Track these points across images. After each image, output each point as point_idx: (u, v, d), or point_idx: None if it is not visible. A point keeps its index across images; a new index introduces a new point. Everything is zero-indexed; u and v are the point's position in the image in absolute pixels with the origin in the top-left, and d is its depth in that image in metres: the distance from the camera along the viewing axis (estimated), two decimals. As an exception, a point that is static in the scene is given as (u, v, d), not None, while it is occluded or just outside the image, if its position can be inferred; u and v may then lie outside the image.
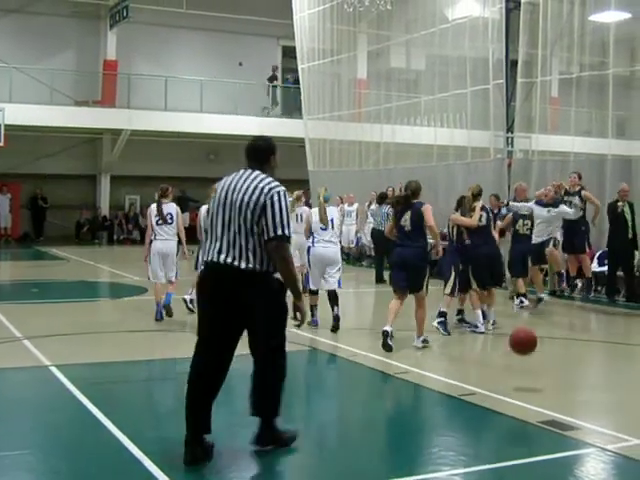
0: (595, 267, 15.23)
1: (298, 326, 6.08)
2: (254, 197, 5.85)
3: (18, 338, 10.49)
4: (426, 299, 10.20)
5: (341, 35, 25.18)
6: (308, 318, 9.75)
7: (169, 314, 12.04)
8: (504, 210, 14.59)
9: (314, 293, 11.67)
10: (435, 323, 11.04)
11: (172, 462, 5.80)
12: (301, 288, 7.80)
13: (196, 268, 11.34)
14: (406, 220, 10.12)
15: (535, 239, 13.76)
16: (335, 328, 11.33)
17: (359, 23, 25.35)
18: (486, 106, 19.09)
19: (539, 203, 13.90)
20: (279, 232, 5.67)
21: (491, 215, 12.10)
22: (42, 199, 29.35)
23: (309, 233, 11.61)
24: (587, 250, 14.59)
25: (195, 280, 6.69)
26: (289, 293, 5.91)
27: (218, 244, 5.80)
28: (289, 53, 29.93)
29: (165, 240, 12.01)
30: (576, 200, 14.21)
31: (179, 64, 30.63)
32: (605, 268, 14.74)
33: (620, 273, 14.43)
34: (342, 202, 21.17)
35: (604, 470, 6.02)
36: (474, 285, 11.49)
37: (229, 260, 5.72)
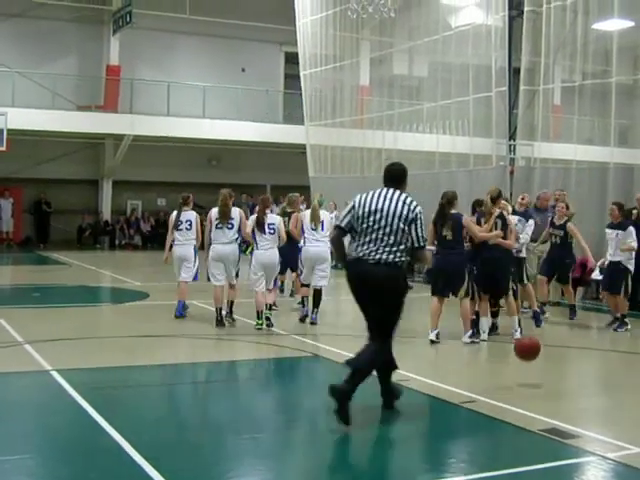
0: (597, 275, 15.21)
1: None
2: (404, 211, 7.19)
3: (19, 343, 10.49)
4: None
5: (344, 42, 25.22)
6: None
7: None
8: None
9: (306, 286, 12.83)
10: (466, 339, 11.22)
11: (172, 467, 5.80)
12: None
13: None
14: (447, 230, 11.04)
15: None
16: (305, 321, 12.68)
17: (362, 30, 25.37)
18: (488, 113, 19.11)
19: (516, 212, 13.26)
20: (422, 243, 7.25)
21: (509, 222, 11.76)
22: (46, 203, 29.36)
23: (301, 233, 12.78)
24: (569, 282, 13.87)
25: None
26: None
27: (368, 244, 7.19)
28: (292, 59, 29.97)
29: (182, 245, 12.97)
30: (560, 234, 13.33)
31: (182, 69, 30.69)
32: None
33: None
34: (336, 208, 21.15)
35: (605, 479, 6.02)
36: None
37: (377, 257, 7.11)
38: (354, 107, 26.19)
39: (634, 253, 12.86)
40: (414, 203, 7.26)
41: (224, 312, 12.38)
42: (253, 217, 12.20)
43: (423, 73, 24.60)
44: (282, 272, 13.77)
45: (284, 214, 13.76)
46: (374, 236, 7.16)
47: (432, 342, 11.05)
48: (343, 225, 7.40)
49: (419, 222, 7.19)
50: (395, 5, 21.66)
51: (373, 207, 7.26)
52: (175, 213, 13.10)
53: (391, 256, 7.11)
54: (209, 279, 12.49)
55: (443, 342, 11.09)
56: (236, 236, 12.20)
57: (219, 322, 12.13)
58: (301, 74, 26.72)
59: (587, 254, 13.55)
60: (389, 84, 25.48)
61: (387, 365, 7.54)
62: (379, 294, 7.16)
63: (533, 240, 13.50)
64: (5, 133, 24.57)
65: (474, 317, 11.47)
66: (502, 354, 10.71)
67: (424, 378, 8.88)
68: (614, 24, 17.72)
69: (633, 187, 15.38)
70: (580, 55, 17.94)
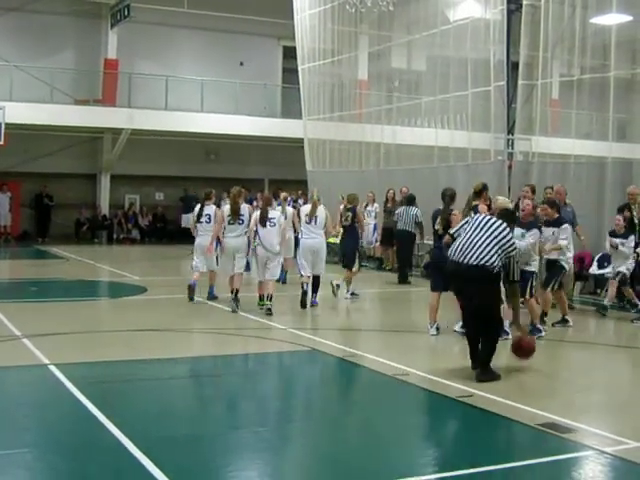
0: (595, 270, 15.22)
1: None
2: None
3: (17, 337, 10.50)
4: None
5: (342, 36, 25.17)
6: None
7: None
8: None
9: (302, 276, 13.76)
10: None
11: (171, 461, 5.81)
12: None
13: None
14: (439, 225, 11.21)
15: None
16: (305, 305, 13.48)
17: (360, 24, 25.32)
18: (487, 108, 19.09)
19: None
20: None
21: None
22: (47, 197, 29.30)
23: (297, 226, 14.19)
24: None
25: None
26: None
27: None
28: (290, 53, 29.92)
29: (203, 236, 13.94)
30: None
31: (180, 63, 30.62)
32: (605, 270, 14.71)
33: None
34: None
35: (602, 473, 6.03)
36: None
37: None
38: (352, 101, 26.17)
39: (569, 252, 12.51)
40: None
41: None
42: (257, 213, 13.18)
43: (421, 67, 24.57)
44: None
45: (346, 210, 14.90)
46: None
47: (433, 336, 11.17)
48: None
49: None
50: (393, -1, 21.64)
51: None
52: (198, 207, 14.17)
53: None
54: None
55: (441, 336, 11.11)
56: (246, 230, 13.26)
57: (235, 300, 13.03)
58: (299, 68, 26.68)
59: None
60: (387, 78, 25.47)
61: None
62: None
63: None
64: (3, 127, 24.50)
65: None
66: (499, 349, 10.72)
67: (422, 372, 8.90)
68: (612, 18, 17.70)
69: (631, 182, 15.34)
70: (578, 49, 17.92)
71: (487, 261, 8.61)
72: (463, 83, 19.82)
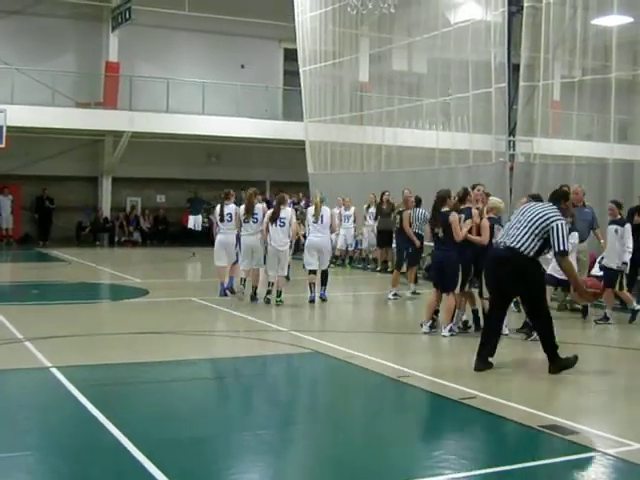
0: (596, 271, 15.18)
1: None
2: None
3: (19, 339, 10.49)
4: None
5: (343, 38, 25.20)
6: None
7: (232, 292, 14.77)
8: None
9: (312, 273, 14.60)
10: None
11: (173, 463, 5.80)
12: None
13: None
14: (439, 228, 11.30)
15: None
16: (312, 300, 14.35)
17: (361, 26, 25.34)
18: (488, 109, 19.09)
19: None
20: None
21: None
22: (48, 199, 29.31)
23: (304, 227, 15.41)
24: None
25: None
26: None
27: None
28: (291, 56, 29.93)
29: (225, 234, 14.84)
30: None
31: (181, 66, 30.65)
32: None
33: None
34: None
35: (605, 475, 6.02)
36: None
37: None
38: (354, 103, 26.18)
39: None
40: None
41: (235, 289, 14.67)
42: (269, 211, 14.21)
43: (422, 69, 24.58)
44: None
45: (399, 212, 15.87)
46: None
47: (425, 334, 11.34)
48: None
49: None
50: (394, 1, 21.62)
51: None
52: (218, 207, 15.04)
53: None
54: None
55: (442, 338, 11.10)
56: (260, 227, 14.24)
57: (253, 298, 14.33)
58: (300, 70, 26.70)
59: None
60: (389, 80, 25.46)
61: None
62: None
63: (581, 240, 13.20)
64: (4, 130, 24.56)
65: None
66: (501, 350, 10.71)
67: (423, 374, 8.88)
68: (613, 20, 17.70)
69: (633, 183, 15.35)
70: (579, 51, 17.90)
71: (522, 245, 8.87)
72: (464, 85, 19.83)
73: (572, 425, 6.89)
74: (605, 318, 12.96)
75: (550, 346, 9.00)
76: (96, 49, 29.87)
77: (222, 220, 14.85)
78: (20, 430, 6.81)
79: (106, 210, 30.58)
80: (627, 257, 12.72)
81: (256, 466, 6.06)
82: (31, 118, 25.95)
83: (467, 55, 20.00)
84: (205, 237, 29.54)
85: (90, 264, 22.09)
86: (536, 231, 8.83)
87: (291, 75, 30.44)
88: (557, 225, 8.75)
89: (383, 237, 19.89)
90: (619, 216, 12.92)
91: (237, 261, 14.92)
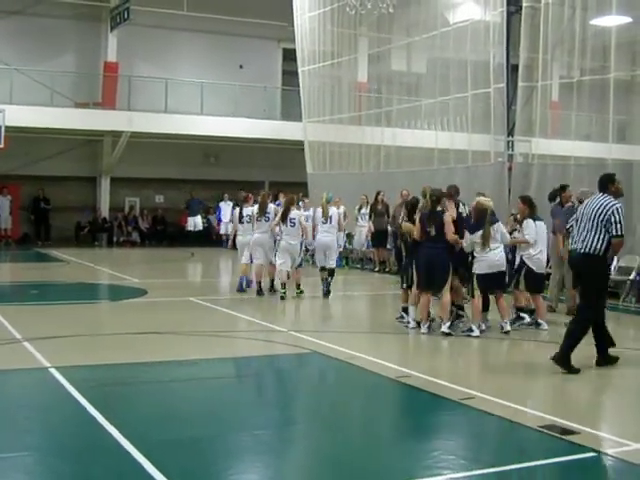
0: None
1: None
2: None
3: (18, 340, 10.49)
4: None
5: (342, 38, 25.21)
6: None
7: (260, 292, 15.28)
8: None
9: (322, 270, 15.37)
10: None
11: (173, 464, 5.80)
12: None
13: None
14: (431, 227, 11.34)
15: None
16: (327, 293, 15.15)
17: (360, 26, 25.35)
18: (487, 110, 19.10)
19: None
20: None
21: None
22: (44, 200, 29.29)
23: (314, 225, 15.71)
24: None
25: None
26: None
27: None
28: (290, 56, 29.93)
29: (243, 235, 15.71)
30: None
31: (180, 66, 30.62)
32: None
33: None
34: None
35: (604, 475, 6.03)
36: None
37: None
38: (352, 103, 26.18)
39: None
40: None
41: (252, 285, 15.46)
42: (280, 211, 14.97)
43: (421, 69, 24.59)
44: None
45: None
46: None
47: (423, 334, 11.35)
48: None
49: None
50: (393, 1, 21.62)
51: None
52: (237, 209, 16.15)
53: None
54: (252, 260, 15.43)
55: (441, 338, 11.11)
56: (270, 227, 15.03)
57: (259, 292, 15.05)
58: (299, 70, 26.70)
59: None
60: (387, 80, 25.47)
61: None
62: None
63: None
64: (3, 130, 24.51)
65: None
66: (500, 350, 10.72)
67: (422, 374, 8.89)
68: (612, 20, 17.72)
69: (632, 183, 15.36)
70: (578, 51, 17.93)
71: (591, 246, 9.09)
72: (463, 85, 19.84)
73: (571, 425, 6.89)
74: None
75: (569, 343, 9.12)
76: (95, 49, 29.84)
77: (241, 222, 15.69)
78: (19, 430, 6.81)
79: (105, 210, 30.56)
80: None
81: (255, 466, 6.07)
82: (30, 118, 25.92)
83: (466, 55, 20.02)
84: (204, 237, 29.62)
85: (89, 264, 22.08)
86: (600, 225, 8.99)
87: (290, 75, 30.44)
88: (613, 210, 8.95)
89: (377, 237, 19.89)
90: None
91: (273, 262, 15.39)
